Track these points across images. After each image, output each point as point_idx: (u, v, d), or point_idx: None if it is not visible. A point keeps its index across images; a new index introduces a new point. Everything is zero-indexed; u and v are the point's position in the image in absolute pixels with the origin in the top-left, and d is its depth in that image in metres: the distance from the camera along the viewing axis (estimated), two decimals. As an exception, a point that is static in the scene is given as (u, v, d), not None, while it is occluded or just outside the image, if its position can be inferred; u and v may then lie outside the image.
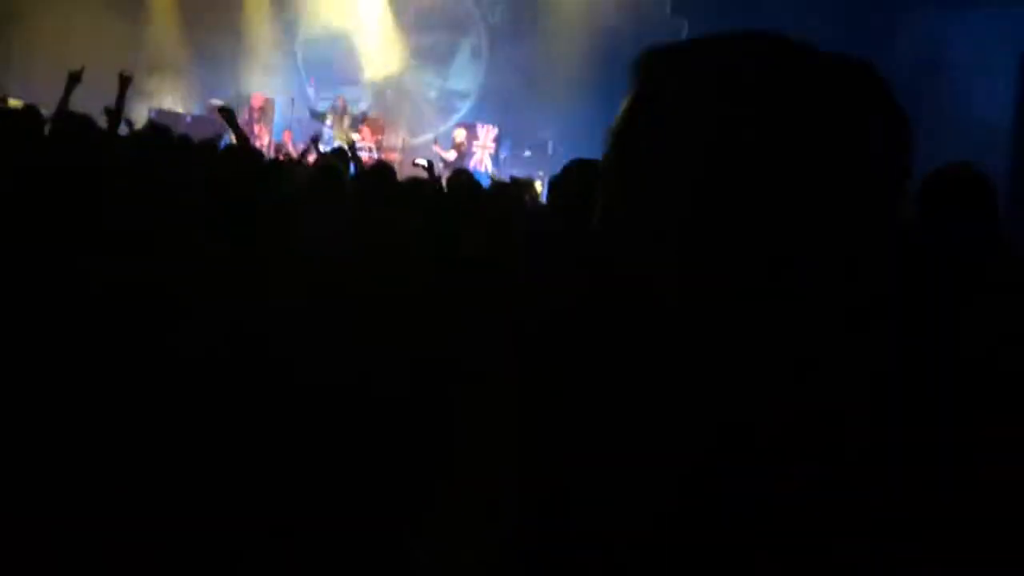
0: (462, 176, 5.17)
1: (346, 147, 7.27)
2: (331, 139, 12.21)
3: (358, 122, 13.67)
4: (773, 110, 0.73)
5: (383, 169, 4.20)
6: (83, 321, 3.18)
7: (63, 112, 5.16)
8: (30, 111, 4.70)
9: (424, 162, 8.36)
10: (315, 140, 8.83)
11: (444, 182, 5.95)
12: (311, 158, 8.13)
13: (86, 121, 4.38)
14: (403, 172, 7.93)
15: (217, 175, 4.37)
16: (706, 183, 0.73)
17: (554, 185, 3.25)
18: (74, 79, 5.59)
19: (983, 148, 10.22)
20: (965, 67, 11.46)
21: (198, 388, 2.98)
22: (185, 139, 5.39)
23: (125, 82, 5.61)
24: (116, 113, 5.32)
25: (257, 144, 12.47)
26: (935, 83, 11.62)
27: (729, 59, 0.76)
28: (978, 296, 1.97)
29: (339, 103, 13.61)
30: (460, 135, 13.74)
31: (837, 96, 0.74)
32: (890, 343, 0.78)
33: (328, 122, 13.27)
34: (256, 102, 14.06)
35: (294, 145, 12.83)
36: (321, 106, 14.16)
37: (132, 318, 3.12)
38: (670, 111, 0.76)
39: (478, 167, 13.48)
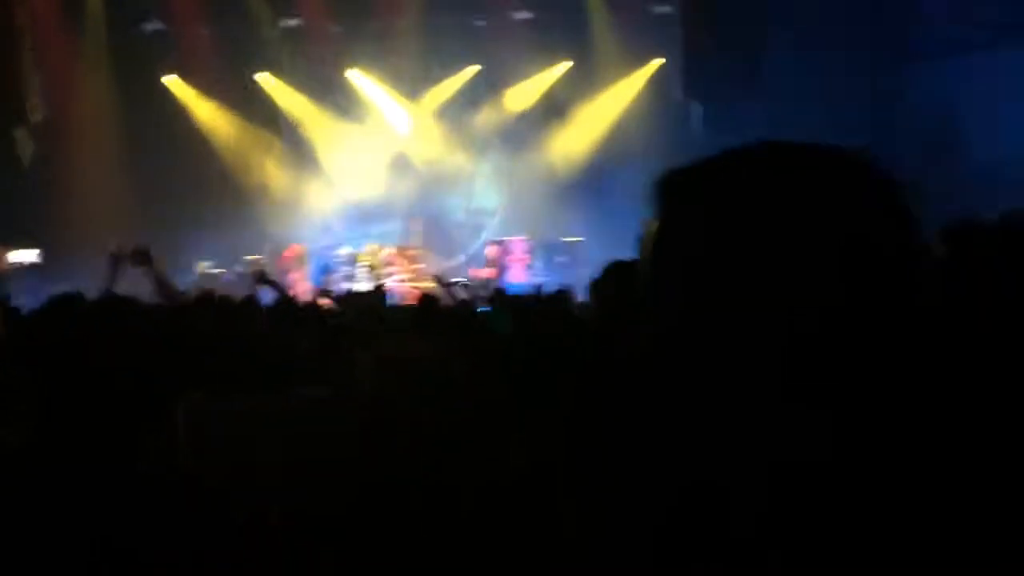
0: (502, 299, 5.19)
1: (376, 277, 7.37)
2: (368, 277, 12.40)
3: (391, 254, 13.89)
4: (781, 217, 0.80)
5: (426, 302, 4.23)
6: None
7: (108, 293, 5.25)
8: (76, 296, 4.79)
9: (458, 280, 8.45)
10: (325, 271, 8.93)
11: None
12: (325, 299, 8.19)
13: (129, 300, 4.45)
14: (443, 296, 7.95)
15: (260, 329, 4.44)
16: (735, 297, 0.79)
17: (595, 287, 3.25)
18: (117, 259, 5.45)
19: (1015, 175, 10.16)
20: (984, 102, 11.49)
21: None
22: (226, 300, 5.47)
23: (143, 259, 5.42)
24: (160, 287, 5.37)
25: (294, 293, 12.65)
26: (957, 123, 11.65)
27: (740, 177, 0.84)
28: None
29: (369, 247, 13.90)
30: (492, 252, 13.90)
31: (834, 192, 0.81)
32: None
33: (364, 262, 13.49)
34: (289, 253, 14.32)
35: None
36: (354, 244, 14.44)
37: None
38: (696, 233, 0.83)
39: (515, 281, 13.56)
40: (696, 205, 0.83)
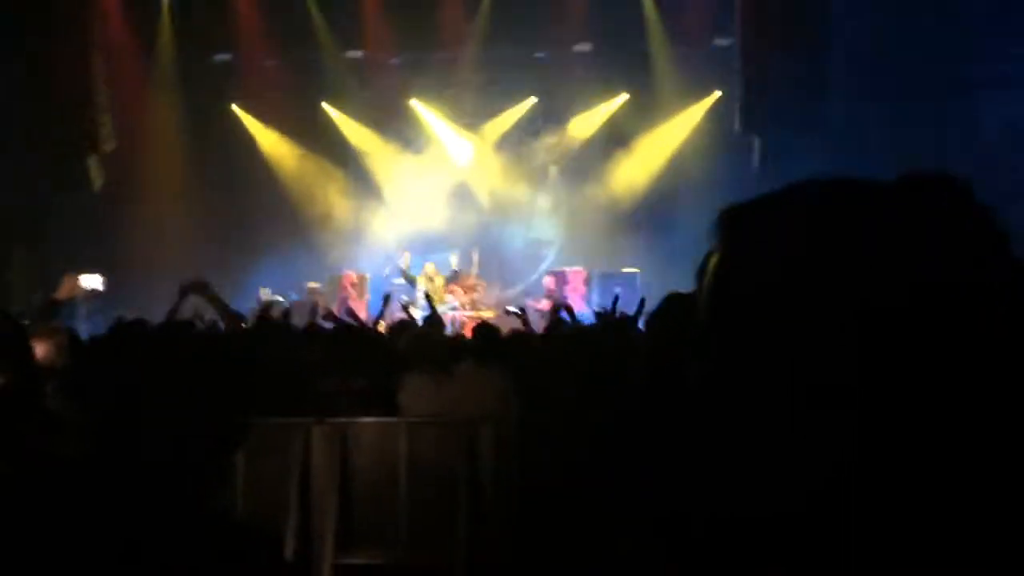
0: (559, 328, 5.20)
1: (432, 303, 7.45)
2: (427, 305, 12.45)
3: (449, 283, 13.98)
4: (847, 260, 0.77)
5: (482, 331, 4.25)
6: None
7: (172, 319, 5.35)
8: (140, 322, 4.89)
9: (516, 309, 8.48)
10: (386, 300, 9.08)
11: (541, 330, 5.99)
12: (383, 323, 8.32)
13: (188, 325, 4.54)
14: (499, 324, 8.00)
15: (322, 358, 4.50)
16: (793, 333, 0.77)
17: (652, 321, 3.23)
18: (185, 292, 5.50)
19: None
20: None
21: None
22: (288, 327, 5.55)
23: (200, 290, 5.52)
24: (224, 313, 5.45)
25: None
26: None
27: (803, 212, 0.82)
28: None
29: (428, 269, 13.98)
30: (551, 283, 13.92)
31: (912, 231, 0.78)
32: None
33: (421, 287, 13.58)
34: (349, 280, 14.47)
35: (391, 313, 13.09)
36: (412, 271, 14.57)
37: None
38: (757, 268, 0.81)
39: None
40: (757, 240, 0.82)
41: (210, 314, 5.59)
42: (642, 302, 7.48)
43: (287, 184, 15.89)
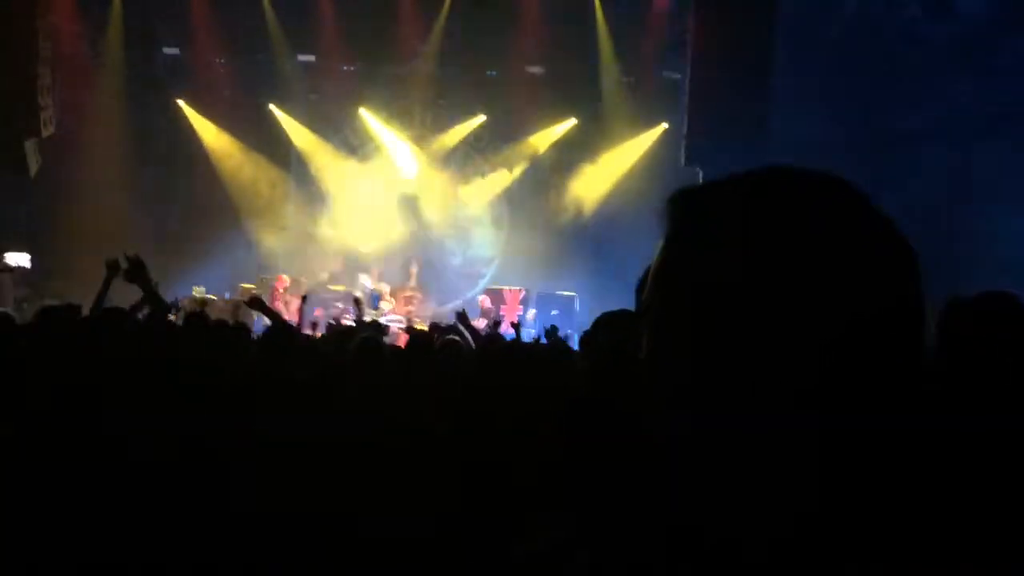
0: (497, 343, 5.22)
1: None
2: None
3: (387, 295, 13.91)
4: (784, 249, 0.77)
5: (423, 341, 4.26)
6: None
7: (100, 305, 5.27)
8: (70, 308, 4.82)
9: (451, 326, 8.44)
10: (304, 300, 9.06)
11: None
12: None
13: (121, 313, 4.48)
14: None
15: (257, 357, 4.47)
16: (733, 316, 0.77)
17: (586, 339, 3.28)
18: (112, 269, 5.52)
19: (1010, 269, 10.31)
20: (989, 194, 11.70)
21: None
22: (222, 325, 5.49)
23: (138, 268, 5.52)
24: (153, 301, 5.37)
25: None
26: (961, 212, 11.84)
27: (745, 200, 0.81)
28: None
29: (364, 281, 13.93)
30: (486, 302, 13.92)
31: (839, 229, 0.78)
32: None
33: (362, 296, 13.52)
34: (281, 284, 14.32)
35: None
36: (348, 280, 14.49)
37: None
38: (698, 250, 0.80)
39: (508, 331, 13.55)
40: (706, 224, 0.81)
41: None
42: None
43: (228, 183, 15.70)
